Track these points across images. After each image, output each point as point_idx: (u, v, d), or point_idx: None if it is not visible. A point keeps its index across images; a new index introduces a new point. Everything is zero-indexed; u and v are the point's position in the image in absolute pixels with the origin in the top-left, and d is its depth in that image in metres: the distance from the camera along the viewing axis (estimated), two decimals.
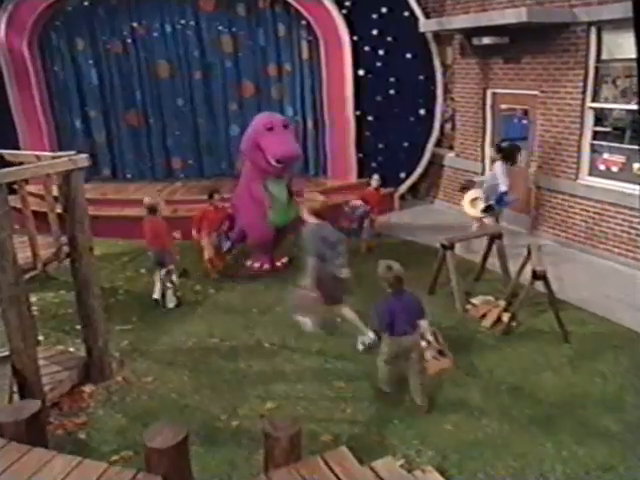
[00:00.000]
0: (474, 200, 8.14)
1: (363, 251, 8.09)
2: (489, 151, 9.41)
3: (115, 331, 6.08)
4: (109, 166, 10.68)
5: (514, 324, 5.90)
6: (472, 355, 5.46)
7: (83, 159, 4.57)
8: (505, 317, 6.03)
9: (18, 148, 9.69)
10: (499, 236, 6.75)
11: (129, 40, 9.92)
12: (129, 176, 10.68)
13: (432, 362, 5.10)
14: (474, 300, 6.54)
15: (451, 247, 6.41)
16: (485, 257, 6.98)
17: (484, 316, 6.19)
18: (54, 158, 4.52)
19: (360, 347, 5.54)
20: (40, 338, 5.88)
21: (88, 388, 4.97)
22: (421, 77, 9.86)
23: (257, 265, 7.51)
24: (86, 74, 10.09)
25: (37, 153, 4.67)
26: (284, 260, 7.69)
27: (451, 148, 10.36)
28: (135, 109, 10.36)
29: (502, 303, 6.31)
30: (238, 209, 7.43)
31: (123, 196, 9.77)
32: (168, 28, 9.87)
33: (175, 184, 10.40)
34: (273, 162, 6.68)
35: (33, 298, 6.82)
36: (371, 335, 5.50)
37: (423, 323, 4.56)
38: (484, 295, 6.65)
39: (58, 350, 5.40)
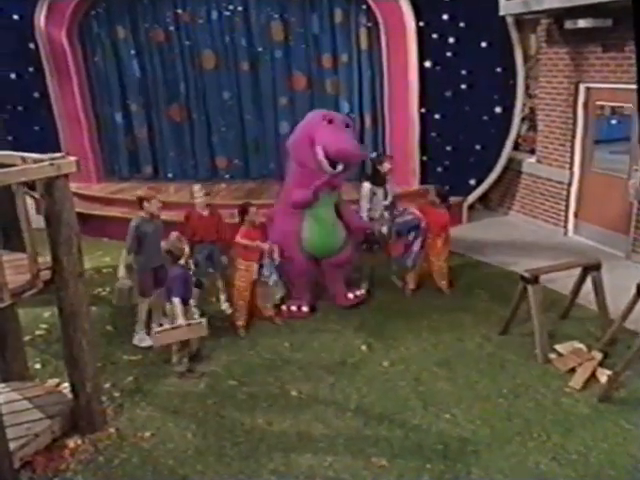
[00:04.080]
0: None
1: (411, 287, 6.38)
2: (578, 157, 7.95)
3: (123, 362, 5.23)
4: (150, 164, 9.95)
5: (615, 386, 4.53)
6: (557, 429, 4.16)
7: (69, 163, 3.68)
8: (602, 376, 4.68)
9: (58, 143, 9.17)
10: (596, 267, 5.35)
11: (172, 28, 9.11)
12: (170, 175, 9.90)
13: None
14: (559, 347, 5.19)
15: (534, 281, 5.08)
16: (576, 291, 5.60)
17: (573, 371, 4.85)
18: (36, 162, 3.63)
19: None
20: (37, 367, 5.15)
21: (73, 442, 4.09)
22: (498, 69, 8.46)
23: (294, 308, 5.97)
24: (127, 65, 9.37)
25: (23, 155, 3.80)
26: (359, 292, 6.21)
27: (532, 152, 8.91)
28: (178, 103, 9.55)
29: (597, 355, 4.96)
30: (274, 222, 6.11)
31: (162, 197, 8.97)
32: (214, 14, 8.98)
33: (220, 185, 9.54)
34: (324, 162, 5.42)
35: (45, 314, 6.14)
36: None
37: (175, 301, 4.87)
38: (572, 340, 5.31)
39: (46, 388, 4.56)
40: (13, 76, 9.22)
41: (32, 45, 8.94)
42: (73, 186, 9.50)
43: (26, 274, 3.72)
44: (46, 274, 3.77)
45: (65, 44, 8.95)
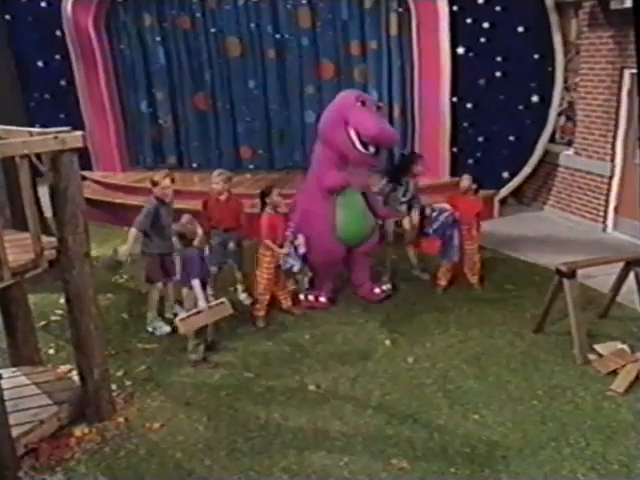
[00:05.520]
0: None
1: (443, 284, 6.03)
2: (620, 148, 7.48)
3: (137, 350, 5.07)
4: (175, 153, 9.82)
5: None
6: (597, 435, 3.80)
7: (75, 137, 3.49)
8: None
9: (83, 129, 9.09)
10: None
11: (198, 14, 8.94)
12: (195, 165, 9.76)
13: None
14: (599, 348, 4.81)
15: (572, 275, 4.71)
16: (617, 288, 5.21)
17: (614, 373, 4.47)
18: (41, 134, 3.46)
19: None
20: (50, 352, 5.03)
21: (79, 430, 3.93)
22: (535, 56, 8.04)
23: (312, 297, 5.74)
24: (153, 53, 9.24)
25: (31, 129, 3.66)
26: (384, 288, 5.89)
27: (569, 144, 8.46)
28: (203, 91, 9.39)
29: None
30: (299, 210, 5.79)
31: (186, 187, 8.87)
32: (240, 0, 8.77)
33: (245, 175, 9.34)
34: (359, 145, 5.22)
35: (62, 300, 5.96)
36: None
37: (195, 283, 4.64)
38: (613, 341, 4.92)
39: (56, 374, 4.41)
40: (40, 64, 9.23)
41: (59, 33, 8.91)
42: (98, 174, 9.66)
43: (31, 253, 3.56)
44: (51, 254, 3.60)
45: (91, 31, 8.87)
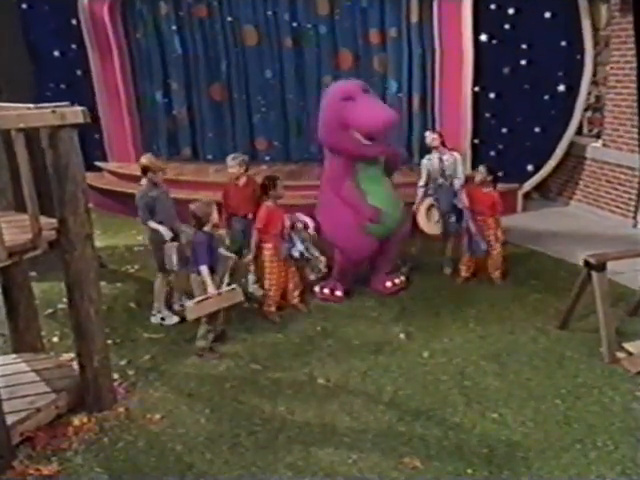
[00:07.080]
0: (429, 209, 5.84)
1: (464, 275, 5.87)
2: None
3: (141, 339, 4.92)
4: (190, 145, 9.71)
5: None
6: (627, 438, 3.51)
7: (75, 112, 3.34)
8: None
9: (97, 120, 9.01)
10: None
11: (215, 3, 8.81)
12: (210, 157, 9.62)
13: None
14: (629, 346, 4.51)
15: (601, 267, 4.42)
16: None
17: None
18: (38, 109, 3.31)
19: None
20: (55, 340, 4.91)
21: (78, 419, 3.77)
22: (563, 43, 7.70)
23: (327, 291, 5.53)
24: (169, 42, 9.13)
25: (29, 105, 3.52)
26: (397, 280, 5.67)
27: (597, 137, 8.10)
28: (219, 81, 9.27)
29: None
30: (323, 216, 5.48)
31: (201, 178, 8.75)
32: None
33: (261, 167, 9.17)
34: (365, 142, 5.03)
35: None
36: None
37: (202, 269, 4.47)
38: None
39: (57, 361, 4.27)
40: (57, 53, 9.18)
41: (74, 21, 8.85)
42: (113, 165, 9.58)
43: (29, 234, 3.41)
44: (51, 234, 3.45)
45: (107, 20, 8.78)
